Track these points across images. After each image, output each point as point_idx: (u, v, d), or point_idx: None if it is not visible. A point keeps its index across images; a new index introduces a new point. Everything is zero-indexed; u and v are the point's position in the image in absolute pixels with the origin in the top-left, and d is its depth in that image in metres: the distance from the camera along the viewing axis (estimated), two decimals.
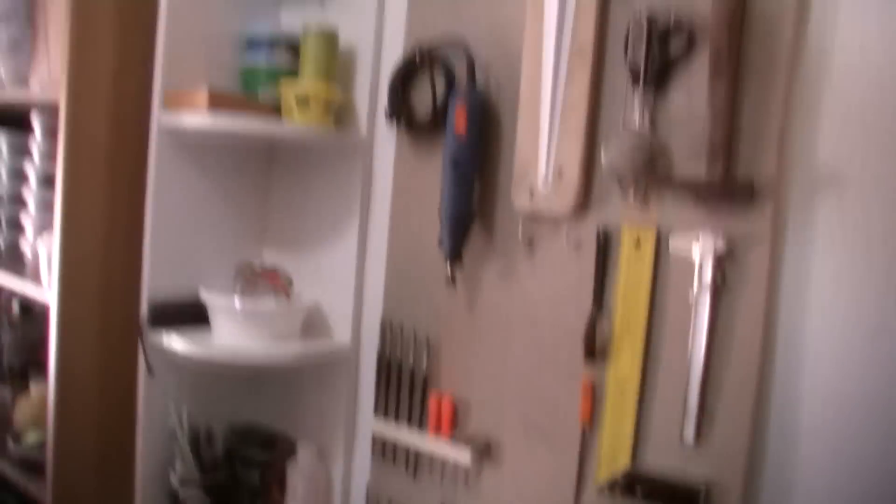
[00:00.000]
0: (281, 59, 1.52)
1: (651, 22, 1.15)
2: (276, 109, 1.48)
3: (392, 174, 1.50)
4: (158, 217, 1.51)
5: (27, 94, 1.63)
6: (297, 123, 1.44)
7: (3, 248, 1.94)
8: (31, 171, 1.77)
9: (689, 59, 1.15)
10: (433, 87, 1.39)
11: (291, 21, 1.65)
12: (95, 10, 1.50)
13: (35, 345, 1.98)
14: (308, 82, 1.45)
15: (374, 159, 1.55)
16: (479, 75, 1.34)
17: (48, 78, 1.58)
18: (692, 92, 1.14)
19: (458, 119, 1.29)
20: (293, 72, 1.50)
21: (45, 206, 1.75)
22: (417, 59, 1.41)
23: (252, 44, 1.54)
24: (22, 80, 1.66)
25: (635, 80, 1.17)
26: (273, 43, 1.51)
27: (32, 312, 2.02)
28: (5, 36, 1.62)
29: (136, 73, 1.54)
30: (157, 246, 1.52)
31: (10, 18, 1.62)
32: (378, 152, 1.54)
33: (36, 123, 1.74)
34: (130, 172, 1.55)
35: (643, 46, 1.16)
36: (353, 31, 1.53)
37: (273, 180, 1.72)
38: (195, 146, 1.54)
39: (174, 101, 1.45)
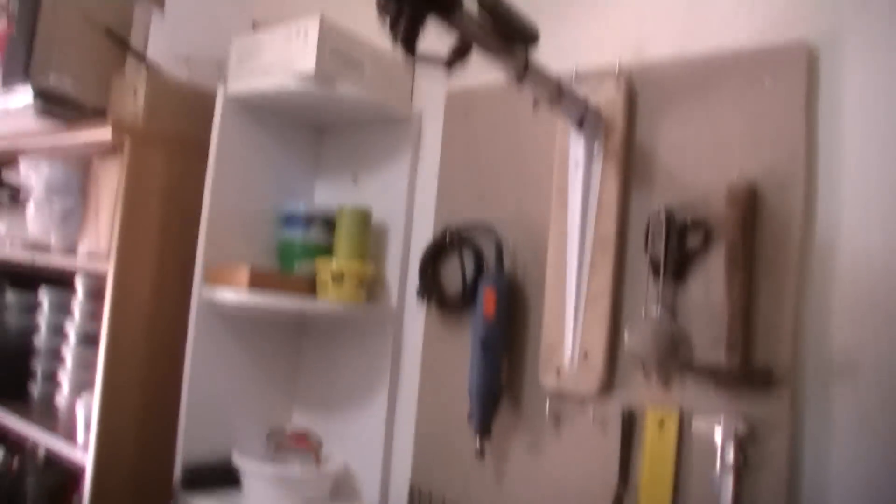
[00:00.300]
0: (316, 234, 1.61)
1: (669, 218, 1.23)
2: (311, 282, 1.56)
3: (421, 345, 1.56)
4: (195, 382, 1.57)
5: (75, 263, 1.71)
6: (330, 299, 1.52)
7: (36, 399, 1.99)
8: (72, 329, 1.84)
9: (706, 252, 1.22)
10: (462, 267, 1.47)
11: (326, 195, 1.77)
12: (144, 188, 1.60)
13: (58, 492, 1.99)
14: (342, 260, 1.54)
15: (404, 329, 1.62)
16: (506, 258, 1.42)
17: (96, 246, 1.66)
18: (710, 283, 1.21)
19: (487, 302, 1.36)
20: (328, 246, 1.59)
21: (83, 364, 1.81)
22: (447, 240, 1.50)
23: (289, 220, 1.63)
24: (70, 246, 1.75)
25: (655, 270, 1.24)
26: (309, 219, 1.61)
27: (56, 459, 2.05)
28: (59, 207, 1.72)
29: (179, 245, 1.63)
30: (192, 409, 1.57)
31: (64, 191, 1.73)
32: (408, 323, 1.61)
33: (79, 285, 1.83)
34: (169, 338, 1.62)
35: (662, 240, 1.23)
36: (385, 207, 1.64)
37: (305, 346, 1.79)
38: (232, 315, 1.61)
39: (215, 276, 1.54)
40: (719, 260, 1.19)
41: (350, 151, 1.74)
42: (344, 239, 1.55)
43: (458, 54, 0.85)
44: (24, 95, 1.60)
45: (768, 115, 1.18)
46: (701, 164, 1.24)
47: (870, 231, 1.11)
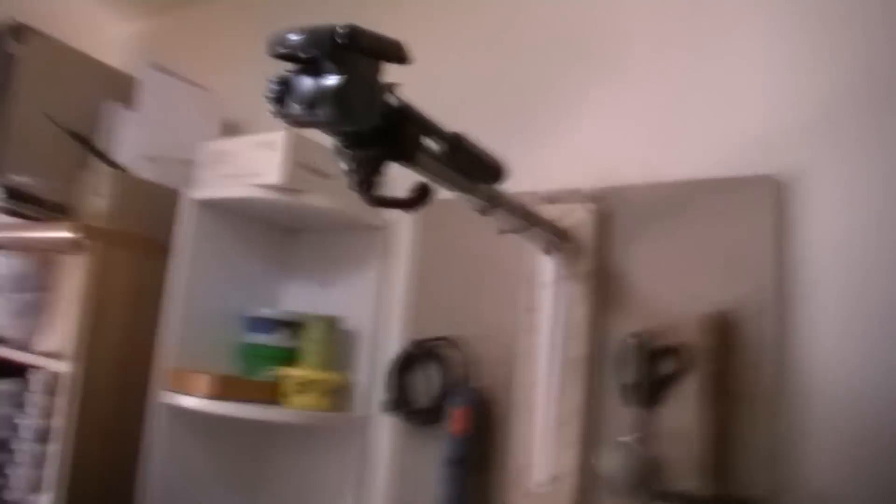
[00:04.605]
0: (282, 339, 1.55)
1: (640, 343, 1.21)
2: (275, 387, 1.50)
3: (389, 454, 1.50)
4: (153, 487, 1.49)
5: (31, 359, 1.65)
6: (294, 407, 1.47)
7: None
8: (24, 423, 1.76)
9: (679, 378, 1.18)
10: (429, 381, 1.43)
11: (294, 298, 1.73)
12: (107, 288, 1.55)
13: None
14: (308, 369, 1.49)
15: (372, 439, 1.56)
16: (475, 375, 1.38)
17: (55, 344, 1.61)
18: (684, 409, 1.17)
19: (455, 419, 1.32)
20: (294, 350, 1.54)
21: (36, 463, 1.73)
22: (415, 352, 1.46)
23: (254, 324, 1.58)
24: (27, 341, 1.69)
25: (626, 395, 1.21)
26: (275, 324, 1.56)
27: None
28: (17, 301, 1.66)
29: (142, 346, 1.56)
30: None
31: (24, 285, 1.68)
32: (376, 433, 1.55)
33: (34, 379, 1.76)
34: (130, 440, 1.54)
35: (633, 365, 1.21)
36: (354, 314, 1.60)
37: (270, 450, 1.72)
38: (194, 418, 1.54)
39: (177, 381, 1.48)
40: (693, 386, 1.15)
41: (319, 255, 1.71)
42: (310, 347, 1.50)
43: (419, 197, 0.83)
44: None
45: (738, 245, 1.18)
46: (673, 289, 1.22)
47: (844, 357, 1.10)
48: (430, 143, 0.84)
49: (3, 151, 1.60)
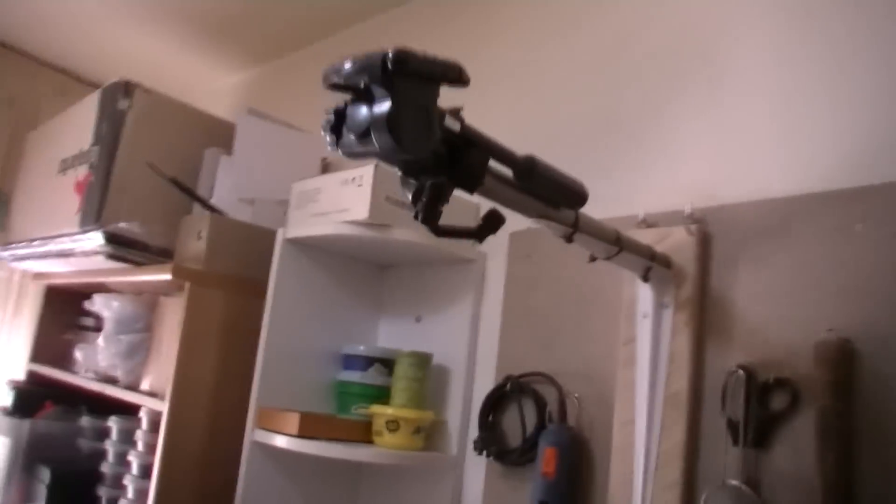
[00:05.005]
0: (375, 377, 1.54)
1: (749, 376, 1.11)
2: (366, 426, 1.49)
3: (481, 495, 1.45)
4: None
5: (137, 398, 1.71)
6: (385, 447, 1.44)
7: None
8: (134, 459, 1.82)
9: (793, 416, 1.08)
10: (522, 418, 1.37)
11: (389, 335, 1.72)
12: (203, 328, 1.60)
13: None
14: (399, 408, 1.46)
15: (465, 479, 1.51)
16: (569, 413, 1.32)
17: (158, 383, 1.66)
18: (799, 451, 1.06)
19: (548, 461, 1.25)
20: (387, 388, 1.52)
21: (142, 498, 1.78)
22: (508, 389, 1.40)
23: (347, 361, 1.58)
24: (135, 380, 1.75)
25: (734, 434, 1.11)
26: (368, 361, 1.55)
27: None
28: (125, 342, 1.73)
29: (236, 383, 1.59)
30: None
31: (131, 327, 1.75)
32: (468, 473, 1.50)
33: (143, 416, 1.82)
34: (222, 476, 1.56)
35: (741, 401, 1.11)
36: (448, 350, 1.56)
37: (363, 489, 1.70)
38: (286, 456, 1.55)
39: (267, 420, 1.49)
40: (809, 425, 1.04)
41: (414, 290, 1.69)
42: (401, 384, 1.48)
43: (488, 225, 0.78)
44: (96, 238, 1.65)
45: (861, 264, 1.06)
46: (785, 316, 1.11)
47: None
48: (501, 168, 0.81)
49: (110, 200, 1.68)
